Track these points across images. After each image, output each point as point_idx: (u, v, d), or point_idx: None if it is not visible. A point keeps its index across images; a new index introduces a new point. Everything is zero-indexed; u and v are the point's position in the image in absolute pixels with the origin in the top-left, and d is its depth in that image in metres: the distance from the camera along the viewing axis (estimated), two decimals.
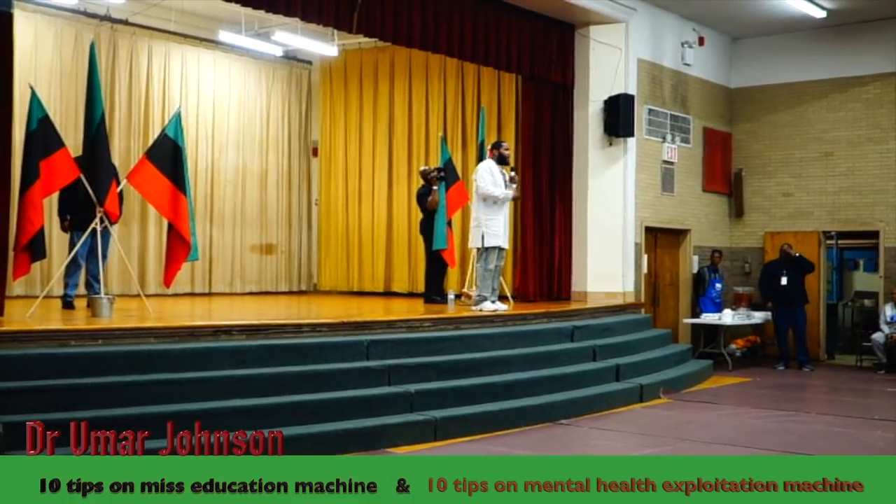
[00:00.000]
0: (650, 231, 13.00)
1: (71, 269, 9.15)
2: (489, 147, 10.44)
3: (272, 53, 14.13)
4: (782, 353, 12.93)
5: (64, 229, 9.26)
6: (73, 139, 10.28)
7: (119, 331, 7.16)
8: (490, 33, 11.13)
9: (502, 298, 10.69)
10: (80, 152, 8.70)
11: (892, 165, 13.35)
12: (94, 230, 8.58)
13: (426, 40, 10.55)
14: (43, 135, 8.16)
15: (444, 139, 12.20)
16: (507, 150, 10.27)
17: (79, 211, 8.81)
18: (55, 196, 9.13)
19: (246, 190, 14.35)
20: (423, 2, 10.35)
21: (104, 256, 8.90)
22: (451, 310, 10.36)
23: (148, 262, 12.89)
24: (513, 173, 10.40)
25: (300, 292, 14.98)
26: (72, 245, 8.99)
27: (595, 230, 12.31)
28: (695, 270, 13.82)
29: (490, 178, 9.91)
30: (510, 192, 10.04)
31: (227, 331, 7.59)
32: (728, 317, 12.86)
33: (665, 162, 13.22)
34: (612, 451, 7.21)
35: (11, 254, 7.96)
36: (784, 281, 12.84)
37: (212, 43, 13.72)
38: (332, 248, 14.96)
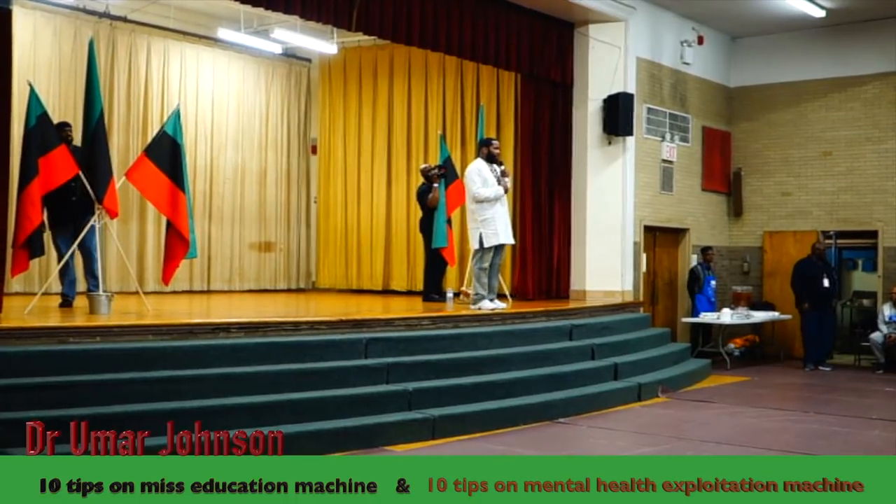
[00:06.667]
0: (649, 230, 13.00)
1: (64, 268, 9.08)
2: (479, 145, 10.41)
3: (271, 51, 14.11)
4: (812, 354, 12.76)
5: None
6: None
7: (117, 328, 7.15)
8: (489, 31, 11.12)
9: (501, 297, 10.68)
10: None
11: (890, 165, 13.36)
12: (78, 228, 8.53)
13: (425, 38, 10.54)
14: (41, 132, 8.15)
15: (444, 137, 12.19)
16: (496, 148, 10.19)
17: (59, 208, 8.69)
18: None
19: (245, 187, 14.33)
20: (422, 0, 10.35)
21: (90, 252, 8.77)
22: (450, 308, 10.35)
23: (146, 260, 12.87)
24: (503, 168, 10.31)
25: (299, 290, 14.98)
26: (54, 243, 8.96)
27: (594, 229, 12.30)
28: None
29: (479, 180, 9.83)
30: (500, 189, 9.94)
31: (225, 328, 7.58)
32: (727, 316, 12.83)
33: (664, 161, 13.22)
34: (610, 450, 7.22)
35: (10, 251, 7.94)
36: (826, 283, 12.77)
37: (211, 40, 13.70)
38: (331, 245, 14.94)
